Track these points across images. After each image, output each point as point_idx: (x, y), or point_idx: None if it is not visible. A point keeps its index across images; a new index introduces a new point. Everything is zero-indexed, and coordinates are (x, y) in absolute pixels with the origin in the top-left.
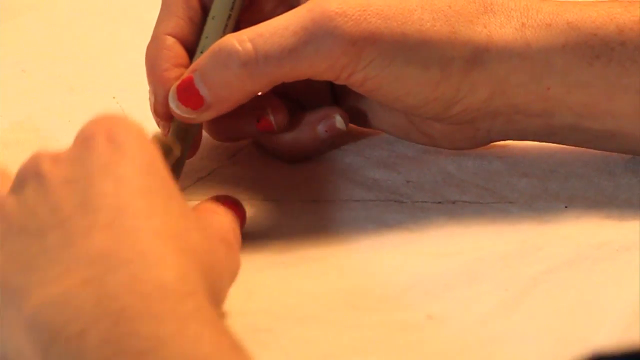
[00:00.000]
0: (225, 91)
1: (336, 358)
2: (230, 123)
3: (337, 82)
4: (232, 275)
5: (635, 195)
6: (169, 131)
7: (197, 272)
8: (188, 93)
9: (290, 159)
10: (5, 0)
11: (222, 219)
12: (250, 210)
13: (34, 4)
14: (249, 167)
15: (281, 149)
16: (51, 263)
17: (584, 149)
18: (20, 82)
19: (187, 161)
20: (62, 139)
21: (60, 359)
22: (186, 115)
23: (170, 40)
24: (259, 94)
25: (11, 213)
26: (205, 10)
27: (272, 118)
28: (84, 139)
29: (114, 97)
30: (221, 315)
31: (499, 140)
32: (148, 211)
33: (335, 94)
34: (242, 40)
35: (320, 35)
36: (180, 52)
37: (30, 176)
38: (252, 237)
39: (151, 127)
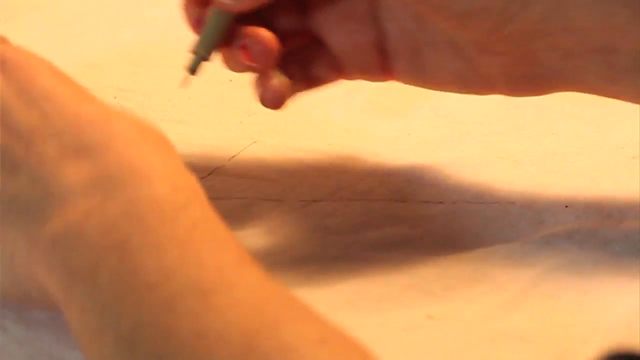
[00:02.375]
0: None
1: None
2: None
3: None
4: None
5: (636, 195)
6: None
7: (174, 160)
8: None
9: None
10: (5, 0)
11: None
12: (250, 210)
13: (34, 4)
14: (249, 167)
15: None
16: (42, 200)
17: (585, 148)
18: None
19: (187, 161)
20: None
21: (81, 297)
22: (226, 1)
23: None
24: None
25: None
26: None
27: (251, 48)
28: None
29: (114, 97)
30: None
31: (559, 85)
32: (104, 114)
33: (387, 54)
34: None
35: None
36: None
37: None
38: (252, 237)
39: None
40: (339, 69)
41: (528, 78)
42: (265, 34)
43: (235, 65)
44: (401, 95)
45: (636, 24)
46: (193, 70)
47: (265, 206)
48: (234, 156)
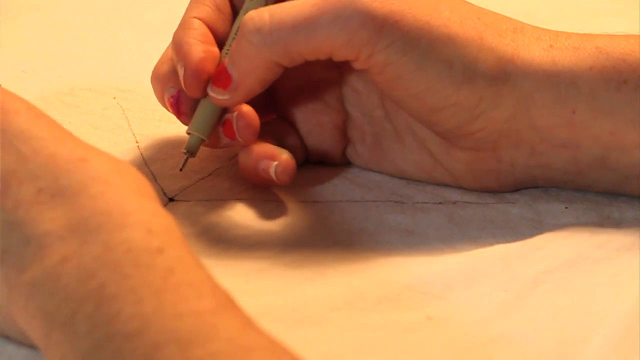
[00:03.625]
0: (244, 62)
1: (336, 359)
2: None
3: (357, 66)
4: None
5: (635, 196)
6: (190, 103)
7: (150, 202)
8: (219, 73)
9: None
10: (5, 0)
11: None
12: (250, 211)
13: (34, 5)
14: None
15: (239, 166)
16: (19, 246)
17: None
18: (21, 82)
19: (188, 162)
20: None
21: (61, 345)
22: (219, 97)
23: (197, 22)
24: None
25: None
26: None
27: (234, 121)
28: None
29: (114, 98)
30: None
31: (524, 181)
32: (80, 154)
33: (348, 137)
34: (261, 10)
35: (339, 6)
36: (205, 31)
37: None
38: (252, 237)
39: (151, 126)
40: (304, 147)
41: (494, 174)
42: (246, 108)
43: (215, 142)
44: None
45: (597, 118)
46: (193, 152)
47: (265, 207)
48: (234, 157)
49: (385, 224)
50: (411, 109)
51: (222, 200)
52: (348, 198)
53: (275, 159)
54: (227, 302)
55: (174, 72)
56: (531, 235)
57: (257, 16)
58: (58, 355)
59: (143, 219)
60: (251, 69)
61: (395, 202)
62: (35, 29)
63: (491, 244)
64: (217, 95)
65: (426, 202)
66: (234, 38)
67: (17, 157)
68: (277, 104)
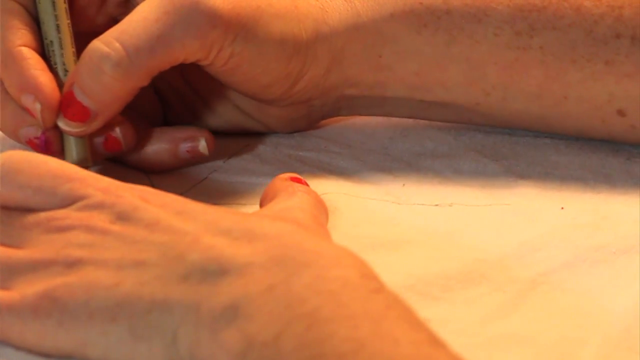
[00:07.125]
0: (107, 95)
1: None
2: None
3: (204, 63)
4: None
5: (632, 197)
6: (58, 140)
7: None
8: (72, 108)
9: (148, 169)
10: None
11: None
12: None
13: None
14: (245, 172)
15: (139, 160)
16: (217, 274)
17: (579, 151)
18: None
19: (184, 168)
20: None
21: None
22: (77, 130)
23: (26, 51)
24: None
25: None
26: (34, 15)
27: (120, 135)
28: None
29: None
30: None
31: (330, 115)
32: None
33: (165, 100)
34: (109, 41)
35: (185, 12)
36: (39, 58)
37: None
38: None
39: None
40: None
41: (305, 118)
42: (120, 118)
43: (96, 159)
44: None
45: (401, 61)
46: None
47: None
48: (228, 159)
49: (384, 223)
50: (244, 89)
51: (219, 204)
52: (346, 192)
53: (198, 136)
54: (439, 339)
55: (17, 110)
56: (528, 236)
57: (107, 47)
58: None
59: (356, 263)
60: (113, 99)
61: (392, 202)
62: None
63: (489, 246)
64: (74, 129)
65: (423, 204)
66: (63, 65)
67: (204, 221)
68: None
